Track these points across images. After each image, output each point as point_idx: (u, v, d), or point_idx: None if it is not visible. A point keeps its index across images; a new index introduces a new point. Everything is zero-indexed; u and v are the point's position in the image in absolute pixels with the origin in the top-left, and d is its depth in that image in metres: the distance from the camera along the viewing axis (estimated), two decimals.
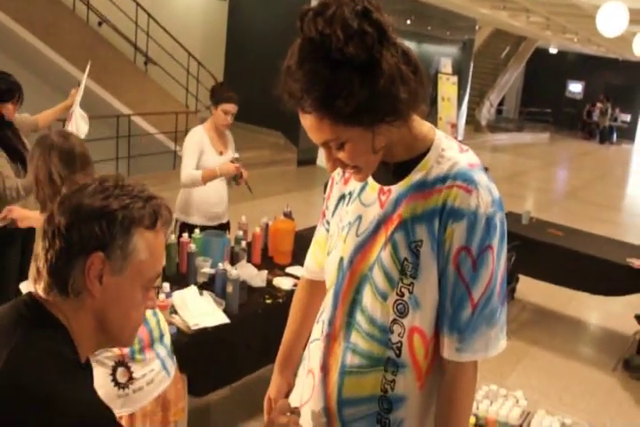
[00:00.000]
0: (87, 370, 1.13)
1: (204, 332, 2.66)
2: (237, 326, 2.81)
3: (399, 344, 1.35)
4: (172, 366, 2.20)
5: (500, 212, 1.30)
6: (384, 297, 1.35)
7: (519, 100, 24.21)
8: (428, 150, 1.34)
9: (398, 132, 1.28)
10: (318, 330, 1.53)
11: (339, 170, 1.50)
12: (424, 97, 1.29)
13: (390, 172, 1.37)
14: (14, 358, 0.98)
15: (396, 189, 1.36)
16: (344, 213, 1.47)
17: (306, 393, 1.54)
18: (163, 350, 2.14)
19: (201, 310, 2.73)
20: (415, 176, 1.33)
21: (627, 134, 21.86)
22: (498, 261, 1.31)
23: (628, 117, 22.03)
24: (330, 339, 1.46)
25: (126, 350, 2.02)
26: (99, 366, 2.02)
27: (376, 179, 1.41)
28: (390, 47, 1.18)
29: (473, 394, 1.40)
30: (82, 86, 3.84)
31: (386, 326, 1.36)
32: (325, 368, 1.46)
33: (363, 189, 1.44)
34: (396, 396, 1.38)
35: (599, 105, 21.34)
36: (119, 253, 1.06)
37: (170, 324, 2.57)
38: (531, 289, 5.61)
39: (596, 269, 4.78)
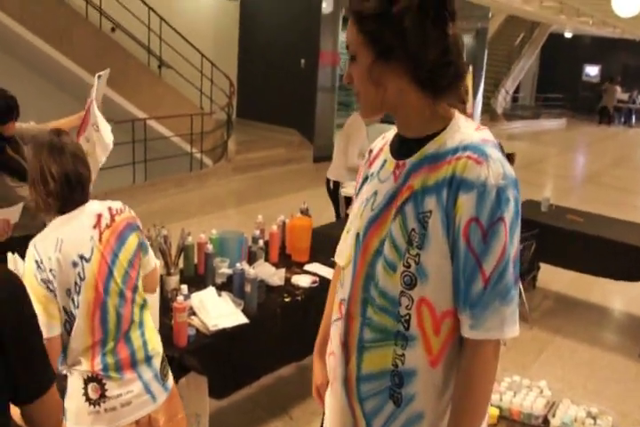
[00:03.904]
0: None
1: (223, 333, 2.68)
2: (256, 325, 2.83)
3: (407, 317, 1.35)
4: (160, 391, 2.05)
5: (514, 189, 1.28)
6: (393, 269, 1.35)
7: (535, 86, 23.92)
8: (445, 128, 1.37)
9: (416, 98, 1.34)
10: (337, 310, 1.52)
11: (366, 154, 1.58)
12: (456, 91, 1.36)
13: (407, 147, 1.41)
14: None
15: (410, 161, 1.39)
16: (364, 192, 1.50)
17: (331, 376, 1.55)
18: (148, 372, 2.01)
19: (220, 311, 2.76)
20: (429, 149, 1.36)
21: None
22: (511, 235, 1.28)
23: None
24: (348, 317, 1.46)
25: (98, 366, 1.91)
26: (76, 377, 1.95)
27: (393, 154, 1.45)
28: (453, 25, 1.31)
29: (492, 377, 1.35)
30: (93, 92, 3.58)
31: (395, 298, 1.36)
32: (346, 347, 1.47)
33: (382, 167, 1.47)
34: (406, 370, 1.37)
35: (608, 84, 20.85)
36: None
37: (189, 325, 2.61)
38: (552, 277, 5.55)
39: (618, 254, 4.72)
